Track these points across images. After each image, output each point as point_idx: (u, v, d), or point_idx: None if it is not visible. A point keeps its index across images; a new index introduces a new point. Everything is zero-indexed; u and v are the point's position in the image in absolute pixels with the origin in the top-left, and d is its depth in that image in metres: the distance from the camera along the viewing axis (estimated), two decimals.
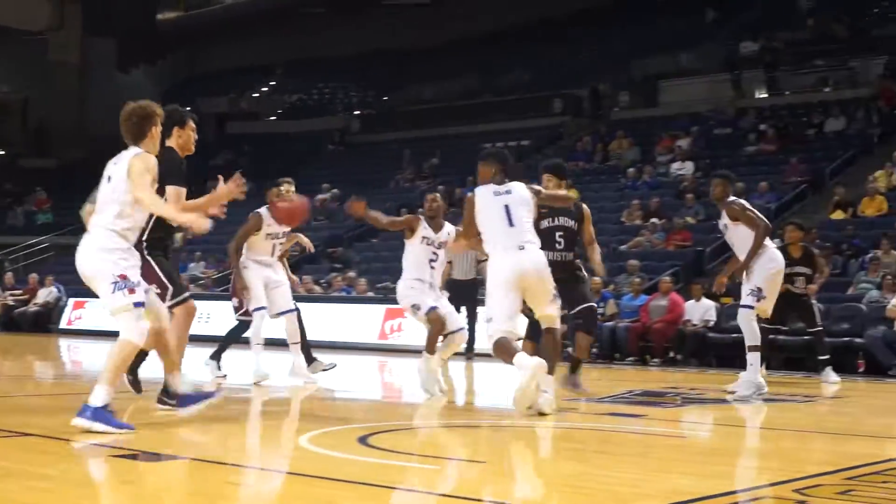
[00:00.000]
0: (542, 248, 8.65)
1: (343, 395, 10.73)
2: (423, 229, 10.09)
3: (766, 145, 25.09)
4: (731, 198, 10.78)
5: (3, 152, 41.55)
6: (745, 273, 10.61)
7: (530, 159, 26.98)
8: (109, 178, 7.07)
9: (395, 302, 19.72)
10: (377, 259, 24.36)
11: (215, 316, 21.95)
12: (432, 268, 10.14)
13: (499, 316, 8.13)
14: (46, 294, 25.57)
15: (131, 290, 6.81)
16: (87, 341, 22.12)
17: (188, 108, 37.23)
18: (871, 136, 24.35)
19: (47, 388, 12.51)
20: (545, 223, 9.52)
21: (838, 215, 20.58)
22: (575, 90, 32.38)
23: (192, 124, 8.32)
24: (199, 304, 23.72)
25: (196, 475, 5.67)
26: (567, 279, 9.40)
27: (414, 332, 18.20)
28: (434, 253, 10.12)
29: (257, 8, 43.09)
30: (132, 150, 7.09)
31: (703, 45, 31.65)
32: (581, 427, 8.18)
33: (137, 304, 6.85)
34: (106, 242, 6.91)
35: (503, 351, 7.98)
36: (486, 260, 8.70)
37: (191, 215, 7.34)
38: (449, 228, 10.23)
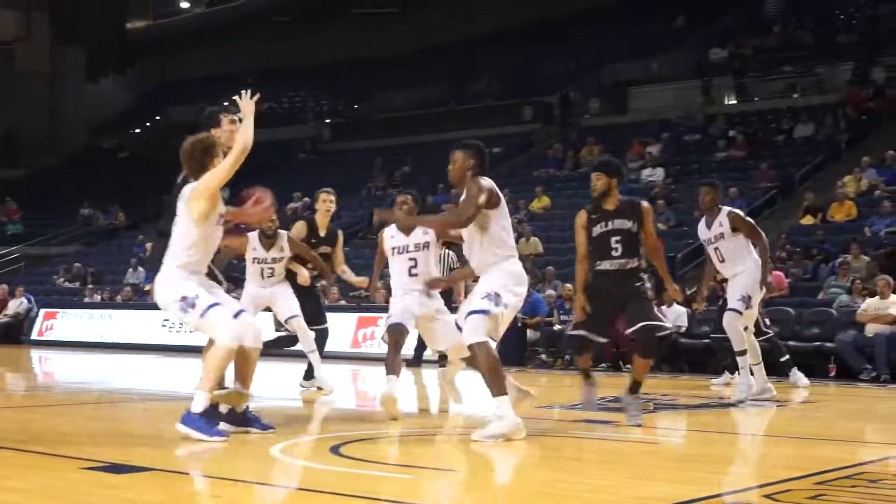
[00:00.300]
0: (597, 258, 8.45)
1: (315, 405, 10.70)
2: (389, 240, 9.35)
3: (735, 151, 25.24)
4: (727, 207, 10.73)
5: None
6: (730, 278, 10.61)
7: (501, 167, 27.03)
8: (175, 212, 7.20)
9: (367, 310, 19.86)
10: (350, 267, 24.28)
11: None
12: (413, 275, 9.20)
13: None
14: (17, 305, 25.40)
15: (193, 305, 7.00)
16: (58, 352, 22.02)
17: (158, 118, 37.09)
18: (840, 141, 24.53)
19: (18, 399, 12.42)
20: (598, 228, 8.52)
21: (808, 220, 20.70)
22: (545, 97, 32.45)
23: (226, 120, 8.06)
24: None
25: (164, 486, 5.64)
26: (625, 294, 8.38)
27: None
28: (411, 259, 9.27)
29: (227, 17, 43.04)
30: (191, 185, 7.16)
31: (672, 51, 31.82)
32: (554, 434, 8.19)
33: (211, 306, 7.02)
34: (169, 274, 7.12)
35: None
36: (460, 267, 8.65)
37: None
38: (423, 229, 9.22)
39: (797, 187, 22.84)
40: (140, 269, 27.39)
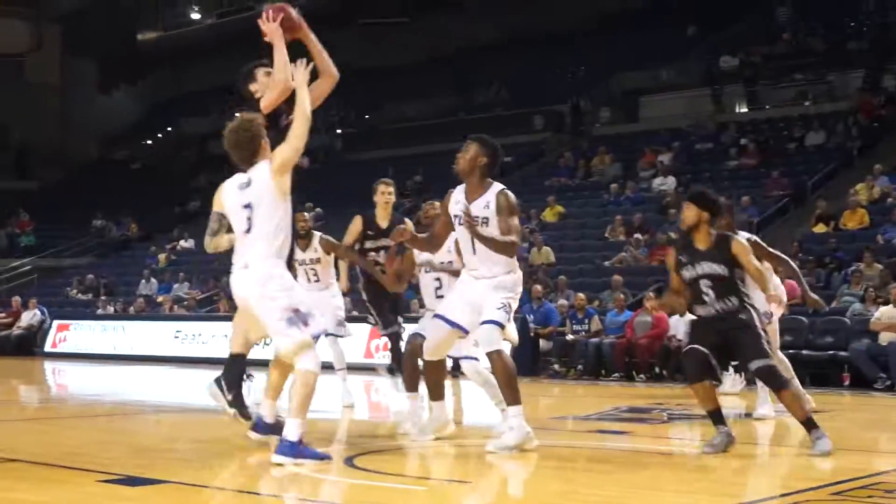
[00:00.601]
0: (692, 301, 7.76)
1: (328, 416, 10.70)
2: (417, 255, 8.76)
3: (747, 159, 25.20)
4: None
5: None
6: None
7: (512, 176, 27.04)
8: (248, 204, 6.69)
9: None
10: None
11: (207, 337, 21.96)
12: (440, 297, 8.57)
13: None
14: (30, 317, 25.45)
15: (306, 324, 6.62)
16: (71, 364, 22.06)
17: (169, 129, 37.07)
18: (851, 149, 24.47)
19: (32, 412, 12.46)
20: (687, 273, 7.77)
21: (820, 228, 20.67)
22: (556, 106, 32.45)
23: (261, 73, 7.90)
24: (187, 326, 23.72)
25: (179, 499, 5.65)
26: (728, 328, 7.64)
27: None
28: (436, 279, 8.84)
29: (237, 27, 43.06)
30: (258, 168, 6.76)
31: (682, 60, 31.78)
32: (568, 445, 8.18)
33: (317, 336, 6.72)
34: (271, 271, 6.65)
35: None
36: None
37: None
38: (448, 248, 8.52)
39: (809, 195, 22.79)
40: (153, 280, 27.47)
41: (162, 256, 29.84)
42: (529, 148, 30.97)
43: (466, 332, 7.61)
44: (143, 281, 27.45)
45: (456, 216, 7.51)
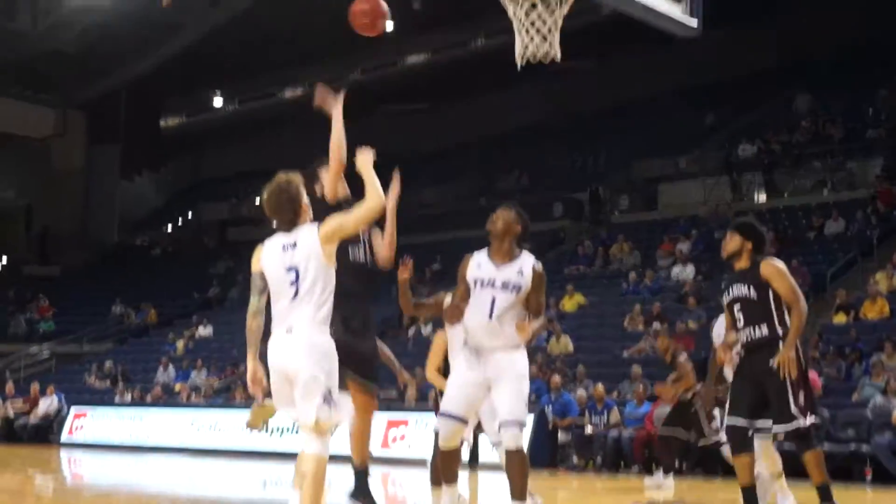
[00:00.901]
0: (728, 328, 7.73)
1: None
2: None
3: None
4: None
5: (5, 259, 41.71)
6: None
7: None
8: (293, 268, 6.44)
9: (398, 410, 19.76)
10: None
11: (223, 426, 21.90)
12: None
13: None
14: (47, 404, 25.44)
15: (332, 405, 6.39)
16: (88, 453, 21.98)
17: (190, 215, 37.36)
18: (871, 237, 24.36)
19: (47, 502, 12.39)
20: (725, 298, 7.83)
21: (840, 318, 20.53)
22: (575, 194, 32.55)
23: (322, 173, 7.86)
24: (203, 415, 23.66)
25: None
26: (760, 373, 7.50)
27: (418, 442, 18.10)
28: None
29: (259, 114, 43.62)
30: (304, 231, 6.54)
31: (701, 148, 31.92)
32: None
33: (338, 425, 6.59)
34: (317, 339, 6.41)
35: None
36: None
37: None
38: None
39: (829, 285, 22.67)
40: (171, 367, 27.46)
41: (180, 343, 29.88)
42: (548, 236, 31.01)
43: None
44: (161, 368, 27.46)
45: (478, 280, 7.23)
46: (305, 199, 6.66)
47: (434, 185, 37.76)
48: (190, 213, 45.39)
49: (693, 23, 8.52)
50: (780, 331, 7.56)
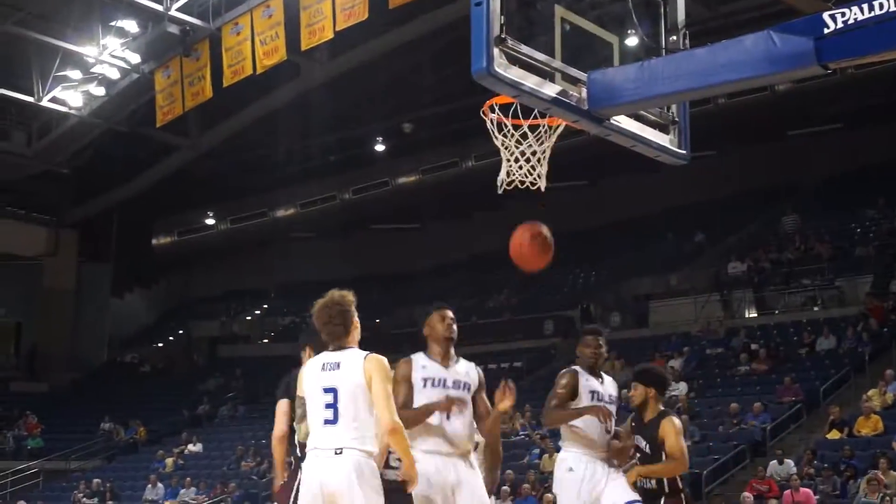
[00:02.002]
0: None
1: None
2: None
3: (758, 365, 25.18)
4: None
5: None
6: None
7: (522, 381, 27.00)
8: (332, 389, 6.26)
9: None
10: None
11: None
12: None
13: None
14: None
15: None
16: None
17: (181, 332, 37.24)
18: (863, 354, 24.40)
19: None
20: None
21: (834, 435, 20.50)
22: (566, 311, 32.66)
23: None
24: None
25: None
26: None
27: None
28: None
29: (249, 233, 43.90)
30: (352, 355, 6.39)
31: (691, 266, 32.16)
32: None
33: None
34: (367, 470, 6.15)
35: None
36: None
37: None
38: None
39: (822, 401, 22.66)
40: (159, 484, 27.18)
41: (169, 461, 29.61)
42: (539, 353, 31.04)
43: None
44: (150, 486, 27.17)
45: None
46: (356, 316, 6.53)
47: (425, 303, 37.69)
48: (180, 331, 45.32)
49: (681, 151, 8.68)
50: (666, 486, 7.85)
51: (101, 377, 41.05)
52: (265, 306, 45.06)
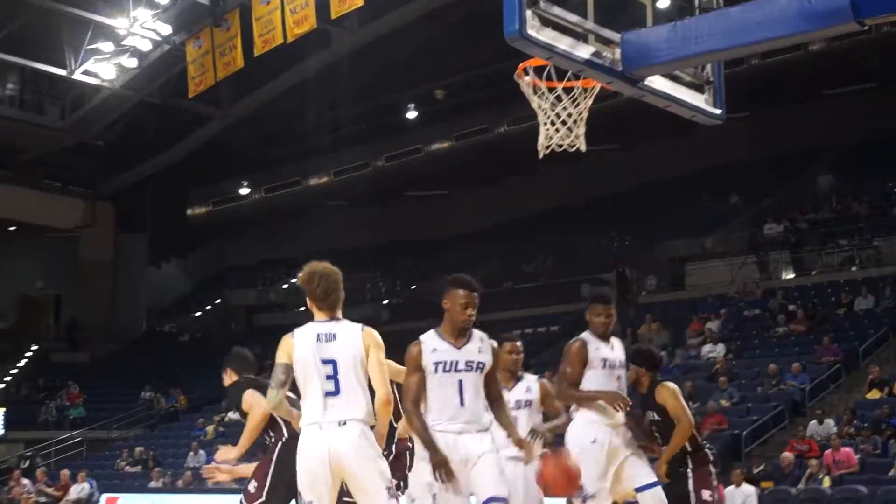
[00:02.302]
0: None
1: None
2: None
3: (795, 325, 25.06)
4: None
5: (36, 347, 41.91)
6: None
7: (558, 345, 27.00)
8: (331, 360, 6.30)
9: None
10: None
11: None
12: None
13: None
14: (79, 490, 25.42)
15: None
16: None
17: (218, 301, 37.37)
18: None
19: None
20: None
21: (874, 395, 20.42)
22: (601, 275, 32.57)
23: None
24: (235, 499, 23.57)
25: None
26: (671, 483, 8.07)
27: None
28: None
29: (284, 202, 44.00)
30: (348, 327, 6.46)
31: (727, 228, 31.97)
32: None
33: None
34: (371, 438, 6.29)
35: None
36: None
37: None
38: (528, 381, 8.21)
39: (861, 361, 22.56)
40: (201, 451, 27.41)
41: (210, 428, 29.86)
42: (575, 317, 30.90)
43: None
44: (192, 453, 27.42)
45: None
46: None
47: (460, 270, 37.70)
48: (217, 300, 45.56)
49: (717, 111, 8.62)
50: (688, 445, 8.27)
51: (140, 347, 41.41)
52: (301, 274, 45.20)
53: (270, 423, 7.84)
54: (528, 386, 8.20)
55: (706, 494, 8.14)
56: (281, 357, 6.31)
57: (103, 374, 37.96)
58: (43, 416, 35.07)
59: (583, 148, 8.87)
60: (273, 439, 7.87)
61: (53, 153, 38.46)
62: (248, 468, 7.11)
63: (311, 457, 6.13)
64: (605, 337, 8.01)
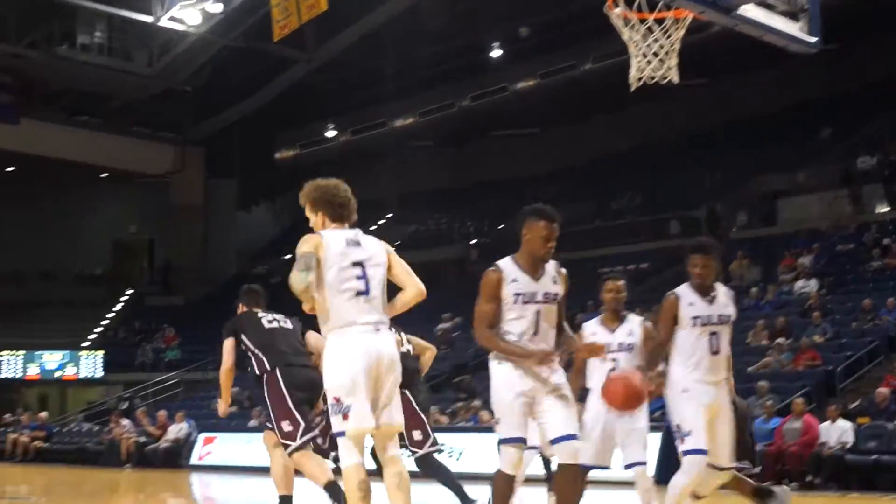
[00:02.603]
0: None
1: None
2: (591, 336, 8.24)
3: (890, 260, 24.65)
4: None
5: (131, 291, 42.77)
6: None
7: (649, 282, 26.90)
8: (360, 263, 6.36)
9: None
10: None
11: None
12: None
13: None
14: (177, 430, 26.00)
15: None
16: (218, 476, 22.36)
17: None
18: None
19: None
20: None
21: None
22: (691, 211, 32.28)
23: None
24: None
25: None
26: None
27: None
28: (612, 361, 8.15)
29: (371, 143, 44.10)
30: (364, 235, 6.62)
31: (819, 161, 31.43)
32: None
33: None
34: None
35: None
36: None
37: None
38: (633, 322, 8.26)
39: None
40: None
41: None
42: (665, 254, 30.76)
43: None
44: None
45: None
46: None
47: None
48: None
49: (812, 40, 8.43)
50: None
51: (232, 289, 41.77)
52: (389, 215, 45.38)
53: (256, 361, 8.89)
54: (632, 329, 8.18)
55: None
56: (307, 247, 6.28)
57: (197, 317, 38.59)
58: (140, 358, 35.86)
59: (675, 80, 8.77)
60: (266, 376, 8.78)
61: (142, 100, 38.97)
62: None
63: (355, 360, 6.05)
64: (704, 290, 7.57)
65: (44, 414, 33.11)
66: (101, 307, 42.65)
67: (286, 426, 8.50)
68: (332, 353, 6.13)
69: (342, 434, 6.03)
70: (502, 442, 6.43)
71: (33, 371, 38.23)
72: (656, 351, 7.68)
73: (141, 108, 40.01)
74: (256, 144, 44.42)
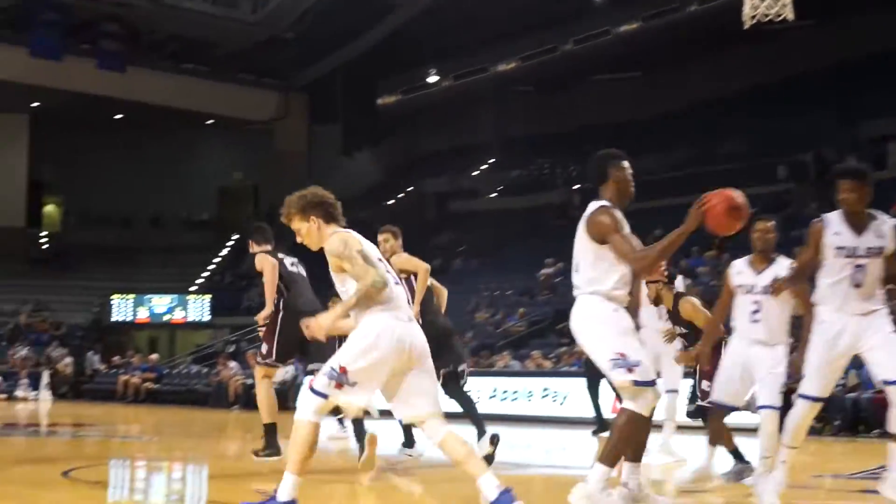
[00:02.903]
0: None
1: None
2: (736, 276, 8.04)
3: None
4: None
5: (237, 237, 43.43)
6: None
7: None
8: (381, 259, 6.60)
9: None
10: None
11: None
12: (755, 321, 7.87)
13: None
14: (283, 372, 26.38)
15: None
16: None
17: (410, 189, 38.04)
18: None
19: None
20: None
21: None
22: (799, 155, 31.69)
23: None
24: None
25: None
26: None
27: None
28: (755, 303, 7.91)
29: (472, 88, 44.01)
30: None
31: None
32: None
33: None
34: None
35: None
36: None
37: None
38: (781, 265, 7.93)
39: None
40: None
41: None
42: (773, 199, 30.28)
43: None
44: None
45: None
46: None
47: (651, 153, 37.31)
48: (409, 187, 46.16)
49: None
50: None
51: None
52: (492, 160, 45.32)
53: (277, 292, 10.34)
54: (778, 273, 7.80)
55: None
56: (356, 245, 6.44)
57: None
58: (246, 302, 36.42)
59: (790, 16, 8.62)
60: (280, 306, 10.26)
61: (246, 47, 39.31)
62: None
63: (390, 344, 6.12)
64: (854, 219, 7.11)
65: (154, 356, 33.95)
66: (208, 252, 43.43)
67: (264, 348, 10.20)
68: (375, 331, 6.16)
69: (325, 397, 6.24)
70: (638, 384, 6.32)
71: (143, 314, 39.17)
72: (797, 272, 7.46)
73: (245, 55, 40.39)
74: (359, 90, 44.59)
